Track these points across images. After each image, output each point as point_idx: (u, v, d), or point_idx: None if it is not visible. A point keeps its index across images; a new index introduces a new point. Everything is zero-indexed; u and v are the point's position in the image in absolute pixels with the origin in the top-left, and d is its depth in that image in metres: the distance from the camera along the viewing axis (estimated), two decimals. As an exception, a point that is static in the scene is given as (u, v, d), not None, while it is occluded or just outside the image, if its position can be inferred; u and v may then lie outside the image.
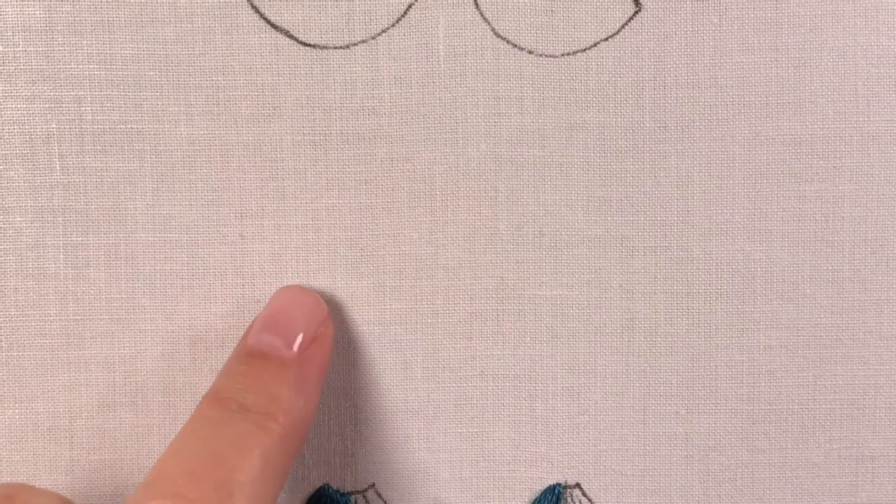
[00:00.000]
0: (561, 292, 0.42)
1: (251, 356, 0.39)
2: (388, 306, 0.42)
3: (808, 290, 0.42)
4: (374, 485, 0.43)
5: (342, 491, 0.43)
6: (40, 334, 0.42)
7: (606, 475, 0.43)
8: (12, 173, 0.41)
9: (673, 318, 0.42)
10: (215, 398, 0.38)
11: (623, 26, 0.41)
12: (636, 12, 0.41)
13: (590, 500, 0.43)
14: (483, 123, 0.41)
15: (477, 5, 0.41)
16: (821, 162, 0.41)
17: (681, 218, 0.42)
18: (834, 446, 0.43)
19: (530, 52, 0.41)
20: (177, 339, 0.42)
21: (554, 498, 0.43)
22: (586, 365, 0.42)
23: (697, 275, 0.42)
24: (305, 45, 0.41)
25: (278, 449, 0.37)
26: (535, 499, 0.43)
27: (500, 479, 0.43)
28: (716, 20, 0.41)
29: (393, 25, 0.41)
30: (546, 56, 0.41)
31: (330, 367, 0.42)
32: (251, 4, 0.41)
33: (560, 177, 0.42)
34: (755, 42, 0.41)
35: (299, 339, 0.39)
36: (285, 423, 0.37)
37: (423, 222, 0.42)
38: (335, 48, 0.41)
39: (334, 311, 0.42)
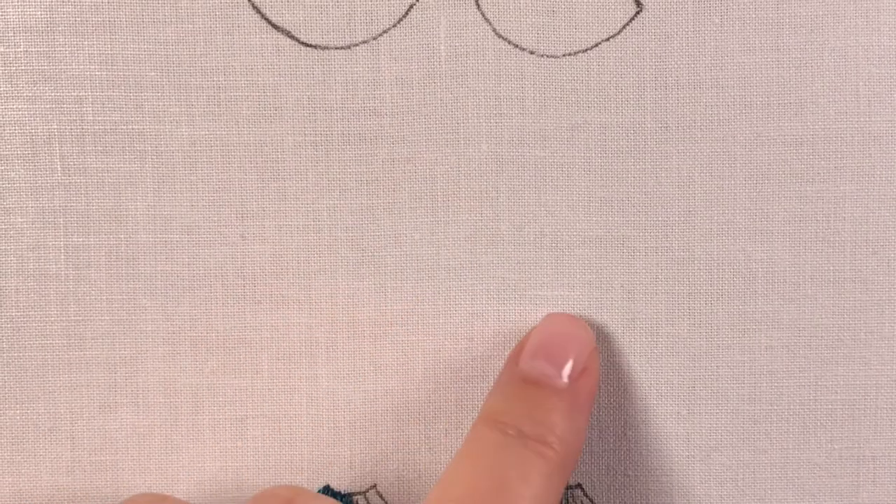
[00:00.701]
0: (562, 293, 0.42)
1: (525, 382, 0.39)
2: (389, 307, 0.42)
3: (809, 291, 0.42)
4: (375, 486, 0.43)
5: (343, 492, 0.43)
6: (41, 335, 0.42)
7: (608, 475, 0.43)
8: (13, 174, 0.41)
9: (674, 318, 0.42)
10: (493, 421, 0.38)
11: (624, 26, 0.41)
12: (637, 12, 0.41)
13: (591, 500, 0.43)
14: (484, 124, 0.41)
15: (478, 6, 0.41)
16: (822, 162, 0.41)
17: (682, 218, 0.42)
18: (835, 446, 0.43)
19: (532, 53, 0.41)
20: (178, 339, 0.42)
21: (555, 498, 0.43)
22: (588, 365, 0.42)
23: (699, 275, 0.42)
24: (307, 45, 0.41)
25: (555, 477, 0.37)
26: (537, 499, 0.43)
27: (502, 480, 0.43)
28: (717, 20, 0.41)
29: (394, 26, 0.41)
30: (547, 56, 0.41)
31: (331, 369, 0.42)
32: (252, 5, 0.41)
33: (561, 177, 0.42)
34: (757, 42, 0.41)
35: (569, 368, 0.39)
36: (560, 451, 0.37)
37: (425, 223, 0.42)
38: (336, 49, 0.41)
39: (336, 312, 0.42)
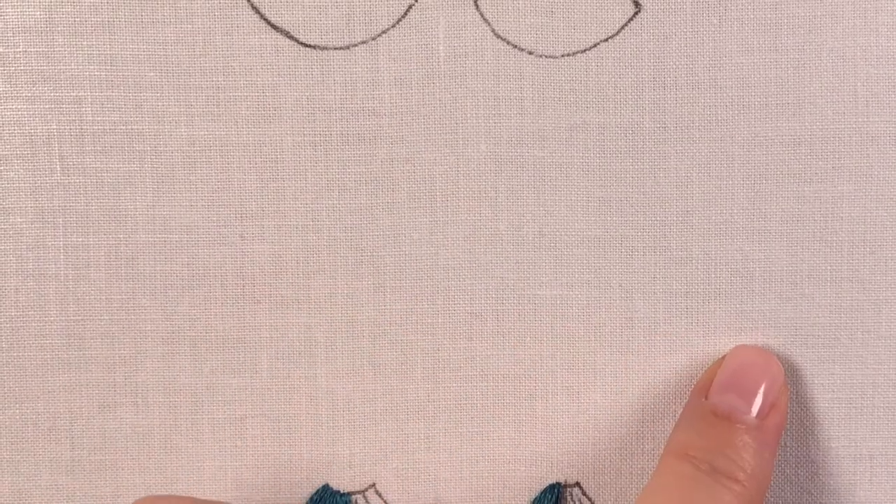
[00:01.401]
0: (561, 292, 0.42)
1: (716, 416, 0.39)
2: (388, 307, 0.42)
3: (806, 290, 0.42)
4: (374, 485, 0.43)
5: (342, 491, 0.43)
6: (41, 335, 0.42)
7: (606, 474, 0.43)
8: (12, 174, 0.41)
9: (672, 317, 0.42)
10: (684, 455, 0.38)
11: (623, 27, 0.41)
12: (636, 13, 0.41)
13: (589, 498, 0.43)
14: (483, 124, 0.41)
15: (477, 6, 0.41)
16: (820, 162, 0.41)
17: (680, 218, 0.42)
18: (832, 445, 0.43)
19: (530, 53, 0.41)
20: (177, 339, 0.42)
21: (553, 497, 0.43)
22: (586, 364, 0.42)
23: (696, 275, 0.42)
24: (306, 45, 0.41)
25: None
26: (535, 498, 0.43)
27: (500, 479, 0.43)
28: (715, 21, 0.41)
29: (393, 26, 0.41)
30: (546, 57, 0.41)
31: (330, 368, 0.42)
32: (251, 5, 0.41)
33: (560, 177, 0.42)
34: (755, 43, 0.41)
35: (759, 403, 0.39)
36: (750, 488, 0.38)
37: (424, 223, 0.42)
38: (335, 49, 0.41)
39: (335, 312, 0.42)
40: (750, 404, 0.39)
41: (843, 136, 0.41)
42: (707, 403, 0.39)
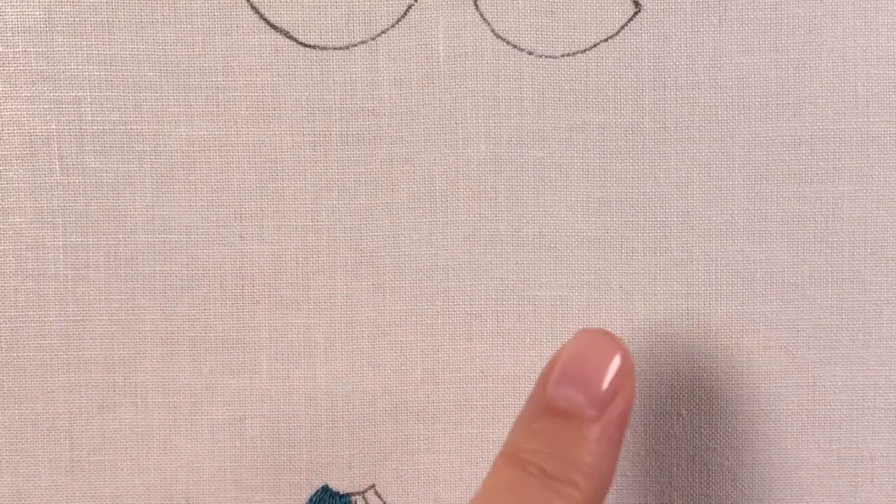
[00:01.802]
0: (561, 293, 0.42)
1: (549, 412, 0.35)
2: (387, 307, 0.42)
3: (807, 291, 0.42)
4: (373, 486, 0.43)
5: (342, 492, 0.43)
6: (40, 335, 0.42)
7: (606, 476, 0.43)
8: (12, 174, 0.41)
9: (673, 318, 0.42)
10: (515, 458, 0.35)
11: (623, 27, 0.41)
12: (636, 13, 0.41)
13: (589, 500, 0.43)
14: (483, 124, 0.41)
15: (477, 6, 0.41)
16: (820, 163, 0.41)
17: (681, 219, 0.42)
18: (833, 447, 0.43)
19: (530, 53, 0.41)
20: (176, 339, 0.42)
21: (553, 498, 0.43)
22: (586, 366, 0.42)
23: (697, 275, 0.42)
24: (305, 45, 0.41)
25: None
26: (535, 499, 0.43)
27: (500, 480, 0.43)
28: (715, 21, 0.41)
29: (393, 26, 0.41)
30: (546, 57, 0.41)
31: (330, 369, 0.42)
32: (251, 5, 0.41)
33: (560, 178, 0.42)
34: (755, 43, 0.41)
35: (602, 393, 0.35)
36: (587, 489, 0.34)
37: (423, 223, 0.42)
38: (335, 49, 0.41)
39: (334, 312, 0.42)
40: (589, 396, 0.35)
41: (843, 136, 0.41)
42: (543, 398, 0.36)
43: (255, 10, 0.41)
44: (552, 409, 0.35)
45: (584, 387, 0.35)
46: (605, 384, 0.35)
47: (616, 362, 0.36)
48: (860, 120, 0.41)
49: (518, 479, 0.34)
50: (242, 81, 0.41)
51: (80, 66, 0.41)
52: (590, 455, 0.35)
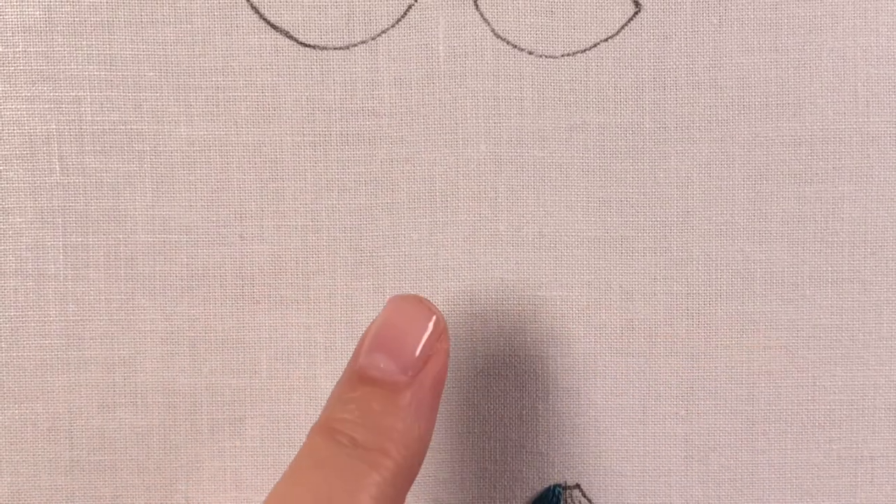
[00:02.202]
0: (561, 293, 0.42)
1: (362, 381, 0.35)
2: (387, 307, 0.42)
3: (807, 291, 0.42)
4: (373, 485, 0.43)
5: (342, 492, 0.43)
6: (40, 335, 0.42)
7: (606, 476, 0.43)
8: (12, 174, 0.41)
9: (673, 318, 0.42)
10: (327, 429, 0.35)
11: (623, 27, 0.41)
12: (636, 13, 0.41)
13: (589, 500, 0.43)
14: (483, 124, 0.41)
15: (477, 6, 0.41)
16: (821, 163, 0.41)
17: (681, 219, 0.42)
18: (833, 447, 0.43)
19: (530, 53, 0.41)
20: (176, 339, 0.42)
21: (553, 498, 0.43)
22: (586, 366, 0.42)
23: (697, 276, 0.42)
24: (305, 45, 0.41)
25: (390, 486, 0.34)
26: (535, 499, 0.43)
27: (500, 480, 0.43)
28: (715, 21, 0.41)
29: (393, 26, 0.41)
30: (546, 57, 0.41)
31: (330, 369, 0.42)
32: (251, 5, 0.41)
33: (560, 178, 0.42)
34: (755, 43, 0.41)
35: (414, 359, 0.35)
36: (398, 457, 0.34)
37: (423, 223, 0.42)
38: (335, 49, 0.41)
39: (334, 312, 0.42)
40: (400, 362, 0.35)
41: (843, 136, 0.41)
42: (355, 367, 0.35)
43: (255, 10, 0.41)
44: (364, 377, 0.35)
45: (395, 353, 0.35)
46: (417, 350, 0.35)
47: (428, 328, 0.36)
48: (860, 120, 0.41)
49: (330, 450, 0.34)
50: (242, 81, 0.41)
51: (80, 66, 0.41)
52: (401, 422, 0.34)
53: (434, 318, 0.36)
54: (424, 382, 0.35)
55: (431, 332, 0.36)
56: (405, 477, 0.34)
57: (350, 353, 0.42)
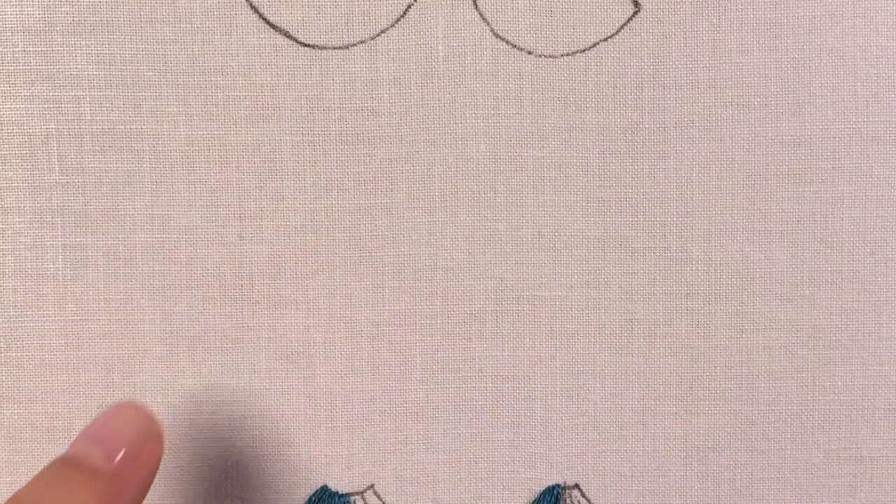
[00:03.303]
0: (560, 293, 0.42)
1: (64, 464, 0.36)
2: (386, 307, 0.42)
3: (807, 291, 0.42)
4: (373, 486, 0.43)
5: (341, 492, 0.43)
6: (39, 335, 0.42)
7: (605, 476, 0.43)
8: (11, 174, 0.41)
9: (672, 318, 0.42)
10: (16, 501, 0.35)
11: (622, 27, 0.41)
12: (635, 13, 0.41)
13: (588, 500, 0.43)
14: (482, 124, 0.41)
15: (476, 5, 0.41)
16: (820, 163, 0.41)
17: (680, 219, 0.42)
18: (833, 447, 0.43)
19: (530, 53, 0.41)
20: (176, 339, 0.42)
21: (553, 499, 0.43)
22: (585, 366, 0.42)
23: (696, 276, 0.42)
24: (304, 45, 0.41)
25: None
26: (534, 500, 0.43)
27: (499, 480, 0.43)
28: (715, 21, 0.41)
29: (392, 26, 0.41)
30: (545, 56, 0.41)
31: (329, 369, 0.42)
32: (250, 5, 0.41)
33: (559, 177, 0.42)
34: (754, 43, 0.41)
35: (120, 454, 0.36)
36: None
37: (422, 223, 0.42)
38: (334, 48, 0.41)
39: (333, 312, 0.42)
40: (107, 452, 0.36)
41: (843, 136, 0.41)
42: (63, 454, 0.36)
43: (255, 9, 0.41)
44: (67, 461, 0.36)
45: (104, 444, 0.36)
46: (125, 445, 0.36)
47: (140, 429, 0.37)
48: (860, 120, 0.41)
49: None
50: (241, 81, 0.41)
51: (80, 66, 0.41)
52: (95, 503, 0.34)
53: (148, 423, 0.37)
54: (126, 478, 0.36)
55: (142, 435, 0.37)
56: None
57: (350, 353, 0.42)
